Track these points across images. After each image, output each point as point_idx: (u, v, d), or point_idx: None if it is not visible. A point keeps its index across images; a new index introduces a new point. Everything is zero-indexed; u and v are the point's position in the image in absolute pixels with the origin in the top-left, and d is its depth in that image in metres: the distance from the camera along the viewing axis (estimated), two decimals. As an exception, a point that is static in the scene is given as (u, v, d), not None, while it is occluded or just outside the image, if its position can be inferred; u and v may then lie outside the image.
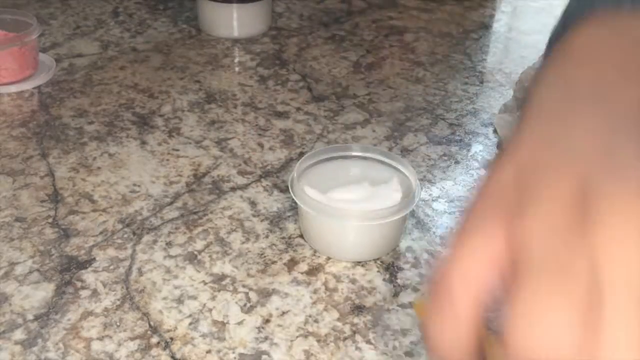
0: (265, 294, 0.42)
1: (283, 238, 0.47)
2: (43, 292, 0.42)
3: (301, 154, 0.56)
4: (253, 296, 0.42)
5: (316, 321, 0.40)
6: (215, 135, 0.58)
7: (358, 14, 0.84)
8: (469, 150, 0.57)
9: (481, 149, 0.58)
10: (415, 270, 0.45)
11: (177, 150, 0.56)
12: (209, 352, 0.38)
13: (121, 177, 0.52)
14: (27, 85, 0.64)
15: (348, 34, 0.78)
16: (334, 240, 0.44)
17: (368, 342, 0.39)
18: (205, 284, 0.43)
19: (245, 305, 0.41)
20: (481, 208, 0.27)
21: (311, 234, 0.46)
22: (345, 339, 0.39)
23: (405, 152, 0.57)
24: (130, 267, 0.44)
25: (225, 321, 0.40)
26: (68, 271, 0.43)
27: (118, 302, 0.41)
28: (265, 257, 0.45)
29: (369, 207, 0.43)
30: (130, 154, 0.55)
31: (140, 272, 0.43)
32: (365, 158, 0.48)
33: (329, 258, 0.45)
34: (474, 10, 0.86)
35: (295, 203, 0.45)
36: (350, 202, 0.44)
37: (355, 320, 0.41)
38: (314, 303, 0.42)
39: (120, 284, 0.42)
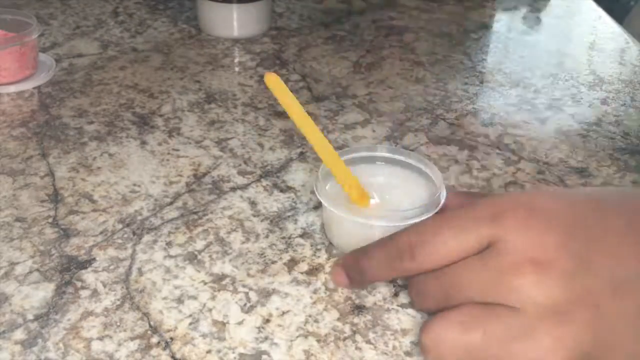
0: (265, 294, 0.42)
1: (283, 238, 0.47)
2: (43, 292, 0.42)
3: (301, 154, 0.56)
4: (253, 296, 0.42)
5: (316, 321, 0.40)
6: (215, 135, 0.58)
7: (358, 14, 0.84)
8: (469, 150, 0.57)
9: (481, 149, 0.58)
10: (416, 270, 0.44)
11: (177, 150, 0.56)
12: (209, 352, 0.38)
13: (121, 177, 0.52)
14: (27, 85, 0.64)
15: (348, 34, 0.78)
16: (360, 242, 0.44)
17: (368, 342, 0.39)
18: (205, 283, 0.43)
19: (245, 305, 0.41)
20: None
21: (336, 234, 0.45)
22: (345, 339, 0.39)
23: (405, 152, 0.57)
24: (130, 267, 0.44)
25: (225, 321, 0.40)
26: (68, 271, 0.43)
27: (118, 302, 0.41)
28: (265, 257, 0.45)
29: (395, 208, 0.43)
30: (130, 154, 0.55)
31: (140, 272, 0.43)
32: (389, 159, 0.47)
33: (329, 258, 0.45)
34: (474, 10, 0.86)
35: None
36: (376, 203, 0.44)
37: (355, 320, 0.41)
38: (314, 303, 0.42)
39: (120, 284, 0.42)
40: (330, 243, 0.46)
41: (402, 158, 0.47)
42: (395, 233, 0.39)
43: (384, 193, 0.45)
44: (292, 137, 0.58)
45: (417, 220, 0.41)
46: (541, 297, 0.33)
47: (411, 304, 0.41)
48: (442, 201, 0.43)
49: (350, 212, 0.43)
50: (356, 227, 0.43)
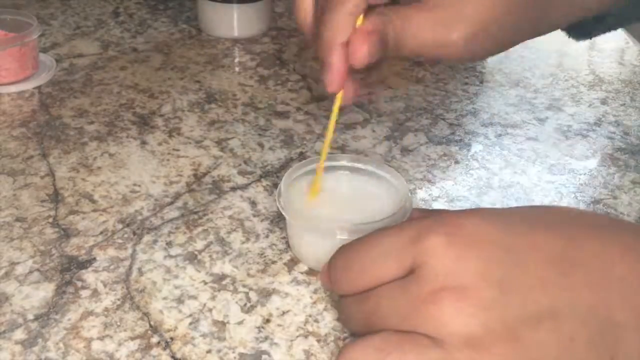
0: (266, 294, 0.42)
1: (283, 238, 0.47)
2: (43, 292, 0.42)
3: (301, 154, 0.56)
4: (253, 296, 0.42)
5: (316, 321, 0.41)
6: (215, 135, 0.58)
7: (358, 14, 0.84)
8: (469, 150, 0.57)
9: (481, 148, 0.58)
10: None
11: (178, 150, 0.56)
12: (209, 352, 0.38)
13: (121, 177, 0.52)
14: (27, 85, 0.64)
15: (348, 34, 0.78)
16: (323, 255, 0.43)
17: (368, 341, 0.39)
18: (206, 283, 0.43)
19: (245, 305, 0.41)
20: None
21: (299, 248, 0.45)
22: (345, 338, 0.39)
23: (405, 152, 0.57)
24: (130, 267, 0.44)
25: (225, 321, 0.40)
26: (68, 271, 0.43)
27: (118, 302, 0.41)
28: (265, 257, 0.45)
29: (358, 220, 0.42)
30: (130, 154, 0.55)
31: (141, 272, 0.44)
32: (354, 169, 0.46)
33: (329, 258, 0.45)
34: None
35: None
36: (340, 215, 0.43)
37: (355, 320, 0.41)
38: (314, 303, 0.42)
39: (121, 284, 0.43)
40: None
41: (366, 167, 0.46)
42: (333, 254, 0.37)
43: (348, 203, 0.44)
44: (292, 137, 0.58)
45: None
46: (457, 327, 0.31)
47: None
48: (407, 215, 0.42)
49: (312, 225, 0.42)
50: (318, 241, 0.42)
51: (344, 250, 0.36)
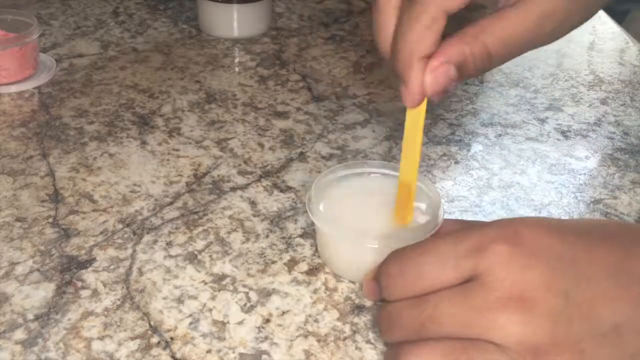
0: (265, 294, 0.42)
1: (283, 238, 0.47)
2: (43, 292, 0.42)
3: (301, 154, 0.56)
4: (253, 296, 0.42)
5: (316, 321, 0.41)
6: (215, 135, 0.58)
7: (358, 14, 0.84)
8: (468, 150, 0.57)
9: (481, 149, 0.58)
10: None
11: (178, 150, 0.56)
12: (209, 351, 0.38)
13: (121, 177, 0.52)
14: (27, 86, 0.64)
15: (348, 34, 0.78)
16: (353, 263, 0.43)
17: (368, 341, 0.39)
18: (206, 283, 0.43)
19: (245, 305, 0.41)
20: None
21: (330, 256, 0.44)
22: (345, 338, 0.39)
23: (405, 152, 0.57)
24: (130, 267, 0.44)
25: (225, 321, 0.40)
26: (68, 271, 0.43)
27: (118, 302, 0.41)
28: (265, 257, 0.45)
29: (391, 228, 0.42)
30: (130, 154, 0.55)
31: (141, 272, 0.44)
32: (384, 175, 0.46)
33: (329, 258, 0.45)
34: (473, 10, 0.86)
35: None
36: (371, 223, 0.43)
37: (356, 320, 0.41)
38: (314, 303, 0.42)
39: (121, 284, 0.43)
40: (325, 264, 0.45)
41: (395, 173, 0.45)
42: (383, 260, 0.37)
43: (379, 211, 0.44)
44: (292, 137, 0.58)
45: (410, 242, 0.39)
46: (525, 335, 0.31)
47: (378, 333, 0.40)
48: (439, 224, 0.42)
49: (343, 234, 0.42)
50: (348, 249, 0.42)
51: (396, 256, 0.36)
